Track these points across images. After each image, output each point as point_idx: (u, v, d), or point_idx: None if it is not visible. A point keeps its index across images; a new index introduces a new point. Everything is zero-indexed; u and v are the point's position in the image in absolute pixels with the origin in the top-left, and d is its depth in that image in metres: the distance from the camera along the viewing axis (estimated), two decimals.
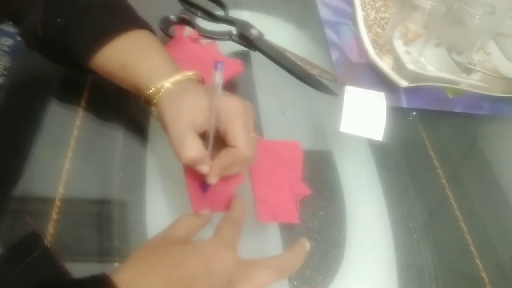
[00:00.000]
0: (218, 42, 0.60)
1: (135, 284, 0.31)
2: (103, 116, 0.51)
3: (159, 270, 0.32)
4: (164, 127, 0.41)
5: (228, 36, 0.59)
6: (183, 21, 0.59)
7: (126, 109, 0.52)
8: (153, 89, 0.41)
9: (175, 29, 0.59)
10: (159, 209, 0.44)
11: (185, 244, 0.35)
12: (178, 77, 0.42)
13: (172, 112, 0.40)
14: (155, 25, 0.54)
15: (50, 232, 0.41)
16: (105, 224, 0.43)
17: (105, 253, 0.41)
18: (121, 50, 0.43)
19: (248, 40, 0.58)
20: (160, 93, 0.41)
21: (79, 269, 0.40)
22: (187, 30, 0.60)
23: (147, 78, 0.41)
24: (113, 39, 0.43)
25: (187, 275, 0.32)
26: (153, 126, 0.51)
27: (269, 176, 0.47)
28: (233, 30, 0.60)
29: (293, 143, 0.51)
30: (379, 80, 0.59)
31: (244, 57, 0.61)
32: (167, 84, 0.41)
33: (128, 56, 0.43)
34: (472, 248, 0.48)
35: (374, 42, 0.63)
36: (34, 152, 0.46)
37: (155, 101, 0.41)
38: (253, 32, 0.58)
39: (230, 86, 0.56)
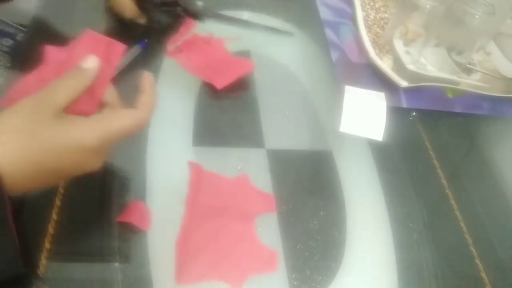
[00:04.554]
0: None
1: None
2: None
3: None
4: None
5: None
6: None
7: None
8: None
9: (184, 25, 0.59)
10: (158, 208, 0.44)
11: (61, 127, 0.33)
12: None
13: None
14: None
15: (50, 232, 0.41)
16: (105, 224, 0.43)
17: (105, 253, 0.41)
18: None
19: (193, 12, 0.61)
20: None
21: (79, 269, 0.40)
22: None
23: None
24: None
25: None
26: (153, 127, 0.51)
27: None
28: None
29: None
30: (379, 80, 0.59)
31: (244, 57, 0.61)
32: None
33: None
34: (472, 248, 0.48)
35: (374, 42, 0.63)
36: None
37: None
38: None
39: (231, 87, 0.56)
